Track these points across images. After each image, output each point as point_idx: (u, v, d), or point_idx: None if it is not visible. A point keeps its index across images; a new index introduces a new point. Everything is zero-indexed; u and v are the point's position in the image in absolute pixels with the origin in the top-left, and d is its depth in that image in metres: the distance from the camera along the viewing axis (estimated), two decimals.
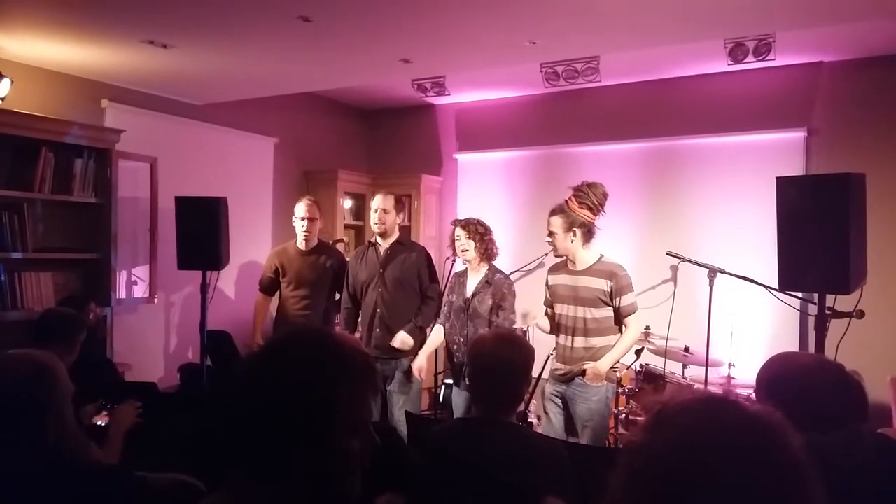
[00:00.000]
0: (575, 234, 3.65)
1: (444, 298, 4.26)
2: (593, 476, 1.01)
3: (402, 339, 4.16)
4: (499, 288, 4.02)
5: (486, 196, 6.29)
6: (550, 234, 3.72)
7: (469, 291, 4.09)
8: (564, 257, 3.78)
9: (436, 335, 4.24)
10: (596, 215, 3.68)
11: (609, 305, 3.66)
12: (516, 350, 2.20)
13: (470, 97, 6.48)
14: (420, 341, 4.23)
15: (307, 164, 6.48)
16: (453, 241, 4.15)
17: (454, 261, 4.65)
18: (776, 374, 1.80)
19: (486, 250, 4.06)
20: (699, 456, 0.84)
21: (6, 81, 4.01)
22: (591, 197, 3.65)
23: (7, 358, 1.62)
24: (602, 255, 3.74)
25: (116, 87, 4.92)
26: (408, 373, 4.19)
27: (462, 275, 4.22)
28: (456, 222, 4.17)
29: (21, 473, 1.46)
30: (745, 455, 0.83)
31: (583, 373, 3.64)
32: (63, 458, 1.52)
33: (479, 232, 4.06)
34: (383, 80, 5.62)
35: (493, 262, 4.14)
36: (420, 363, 4.16)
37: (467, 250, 4.07)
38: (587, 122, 5.95)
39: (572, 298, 3.70)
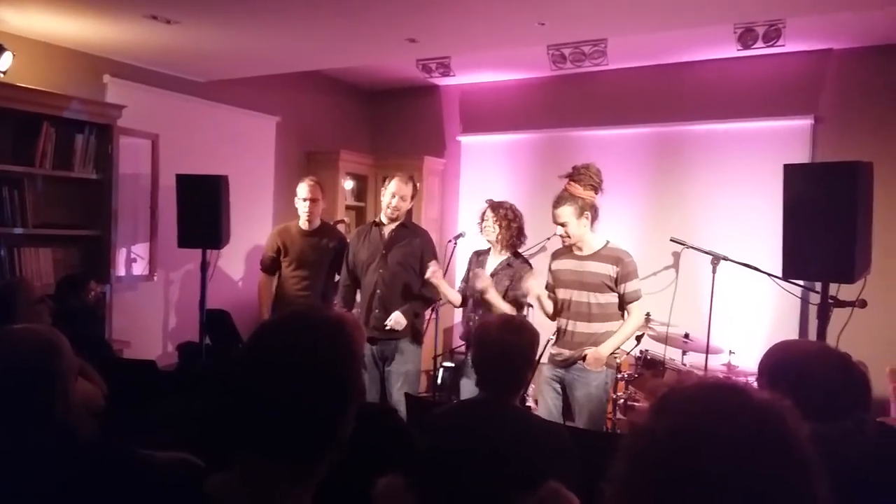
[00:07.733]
0: (587, 218, 3.63)
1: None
2: (593, 460, 1.00)
3: (395, 319, 4.13)
4: (518, 271, 4.00)
5: (489, 179, 6.26)
6: (562, 224, 3.65)
7: (488, 272, 4.04)
8: (572, 243, 3.75)
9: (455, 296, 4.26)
10: (597, 194, 3.67)
11: (614, 291, 3.64)
12: (522, 334, 2.21)
13: (475, 79, 6.43)
14: (413, 324, 4.23)
15: (309, 144, 6.44)
16: (482, 218, 4.11)
17: (456, 244, 4.63)
18: (779, 361, 1.79)
19: (510, 238, 4.03)
20: (693, 442, 0.83)
21: (8, 55, 3.97)
22: (591, 177, 3.62)
23: (12, 333, 1.62)
24: (608, 241, 3.72)
25: (119, 62, 4.88)
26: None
27: (483, 254, 4.18)
28: (489, 202, 4.12)
29: (30, 448, 1.46)
30: (745, 442, 0.81)
31: (583, 357, 3.63)
32: (69, 432, 1.53)
33: (507, 218, 4.02)
34: (388, 60, 5.57)
35: (518, 250, 4.11)
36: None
37: (490, 233, 4.04)
38: (593, 105, 5.90)
39: (577, 283, 3.67)
